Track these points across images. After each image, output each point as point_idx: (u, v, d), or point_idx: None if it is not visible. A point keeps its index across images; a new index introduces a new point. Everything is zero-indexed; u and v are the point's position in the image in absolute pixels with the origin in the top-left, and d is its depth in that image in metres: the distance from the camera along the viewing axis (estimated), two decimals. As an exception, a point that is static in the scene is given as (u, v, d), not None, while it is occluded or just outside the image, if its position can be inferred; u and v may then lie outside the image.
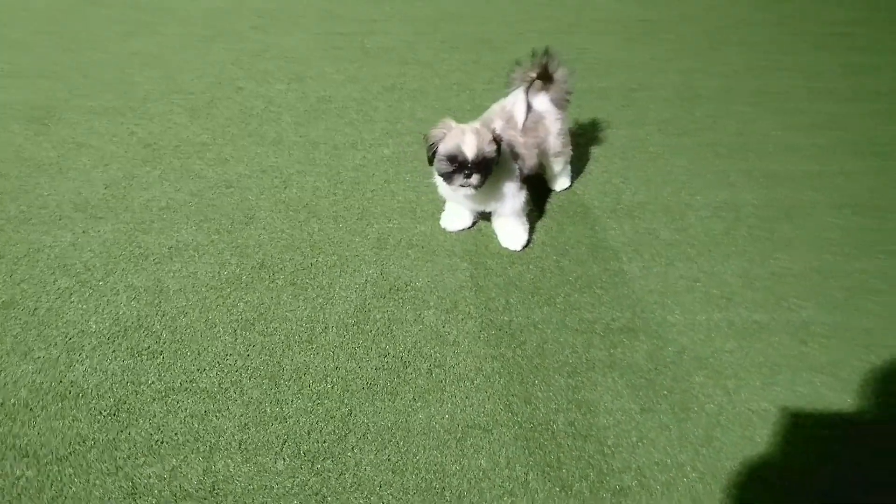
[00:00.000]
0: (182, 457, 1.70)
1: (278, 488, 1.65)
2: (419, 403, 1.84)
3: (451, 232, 2.31)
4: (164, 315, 2.05)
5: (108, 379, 1.88)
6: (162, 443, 1.73)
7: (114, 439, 1.73)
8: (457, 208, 2.30)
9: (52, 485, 1.61)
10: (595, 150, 2.77)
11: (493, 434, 1.76)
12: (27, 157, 2.55)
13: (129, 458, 1.70)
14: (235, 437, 1.75)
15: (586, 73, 3.21)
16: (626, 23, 3.83)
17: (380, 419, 1.80)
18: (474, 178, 1.96)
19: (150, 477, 1.66)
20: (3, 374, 1.87)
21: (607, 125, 2.88)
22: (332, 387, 1.88)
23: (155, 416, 1.79)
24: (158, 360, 1.93)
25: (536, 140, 2.23)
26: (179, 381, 1.88)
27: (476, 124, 2.01)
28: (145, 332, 2.00)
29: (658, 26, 3.79)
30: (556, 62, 2.28)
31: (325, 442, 1.74)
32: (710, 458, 1.68)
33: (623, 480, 1.65)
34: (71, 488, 1.61)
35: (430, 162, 2.04)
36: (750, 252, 2.32)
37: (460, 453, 1.73)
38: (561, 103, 2.33)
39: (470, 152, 1.90)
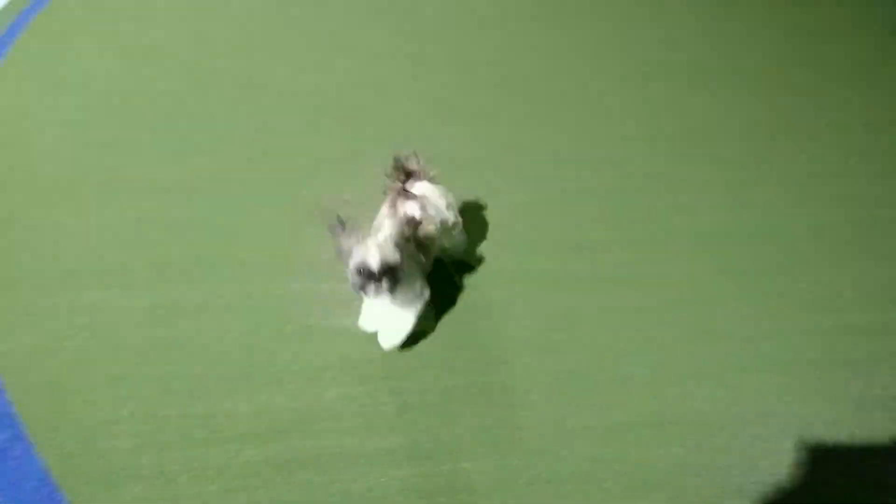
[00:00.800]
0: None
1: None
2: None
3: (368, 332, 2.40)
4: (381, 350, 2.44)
5: (356, 399, 2.29)
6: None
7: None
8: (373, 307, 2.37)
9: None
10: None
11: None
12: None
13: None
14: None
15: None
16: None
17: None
18: (385, 284, 2.08)
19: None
20: (271, 401, 2.27)
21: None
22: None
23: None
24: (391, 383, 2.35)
25: (434, 222, 2.39)
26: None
27: (379, 236, 2.16)
28: (374, 362, 2.41)
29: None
30: (411, 160, 2.45)
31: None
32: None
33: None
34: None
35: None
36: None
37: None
38: (434, 180, 2.50)
39: (374, 264, 2.05)
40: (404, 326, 2.31)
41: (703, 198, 3.19)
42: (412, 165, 2.43)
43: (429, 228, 2.30)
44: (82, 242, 2.81)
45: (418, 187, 2.41)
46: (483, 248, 2.86)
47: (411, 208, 2.31)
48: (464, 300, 2.65)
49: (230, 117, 3.52)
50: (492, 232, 2.93)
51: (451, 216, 2.49)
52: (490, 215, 3.00)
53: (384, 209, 2.38)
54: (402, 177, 2.41)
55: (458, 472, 2.10)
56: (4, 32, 4.08)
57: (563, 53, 4.28)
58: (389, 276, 2.07)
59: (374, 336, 2.36)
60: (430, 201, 2.39)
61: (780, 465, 2.13)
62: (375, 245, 2.06)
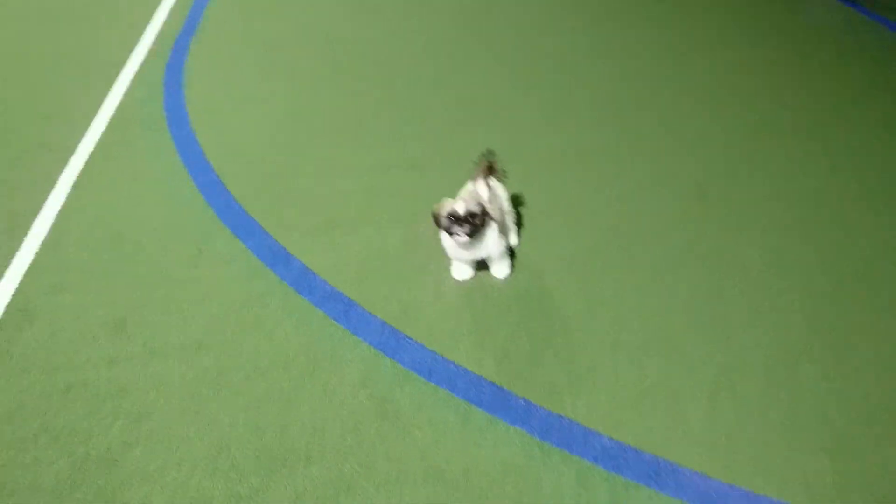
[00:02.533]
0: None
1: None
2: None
3: (459, 281, 3.22)
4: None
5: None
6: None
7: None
8: (460, 264, 3.17)
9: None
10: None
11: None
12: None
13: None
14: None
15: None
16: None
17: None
18: (466, 227, 2.76)
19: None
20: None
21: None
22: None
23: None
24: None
25: (497, 205, 3.10)
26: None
27: (464, 196, 2.85)
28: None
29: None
30: (493, 157, 3.17)
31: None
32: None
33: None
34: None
35: (437, 224, 2.85)
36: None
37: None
38: (501, 179, 3.26)
39: (462, 210, 2.74)
40: (508, 264, 3.22)
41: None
42: (492, 160, 3.17)
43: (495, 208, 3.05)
44: (330, 201, 3.85)
45: (492, 181, 3.17)
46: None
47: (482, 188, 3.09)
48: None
49: (384, 122, 4.66)
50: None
51: (508, 206, 3.27)
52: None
53: (469, 185, 3.15)
54: (485, 167, 3.15)
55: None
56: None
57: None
58: (470, 221, 2.77)
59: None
60: (498, 191, 3.19)
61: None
62: (462, 199, 2.78)
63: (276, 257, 3.41)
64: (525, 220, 3.70)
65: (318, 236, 3.59)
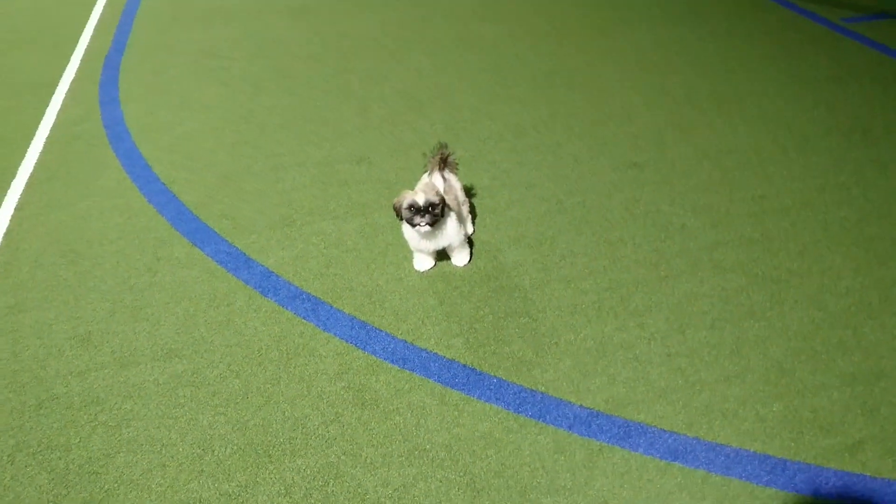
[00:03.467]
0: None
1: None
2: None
3: (421, 272, 3.31)
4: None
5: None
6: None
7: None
8: (421, 255, 3.27)
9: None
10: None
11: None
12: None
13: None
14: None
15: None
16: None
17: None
18: (427, 217, 2.85)
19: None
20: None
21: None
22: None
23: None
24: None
25: (453, 196, 3.19)
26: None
27: (421, 186, 2.93)
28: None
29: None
30: (447, 150, 3.23)
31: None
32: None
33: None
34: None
35: (399, 216, 2.93)
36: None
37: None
38: (454, 171, 3.32)
39: (421, 201, 2.82)
40: (467, 252, 3.34)
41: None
42: (446, 153, 3.24)
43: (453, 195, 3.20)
44: (283, 199, 3.90)
45: (447, 173, 3.26)
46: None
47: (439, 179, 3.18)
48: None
49: (329, 119, 4.76)
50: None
51: (463, 196, 3.36)
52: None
53: (425, 178, 3.24)
54: (439, 157, 3.21)
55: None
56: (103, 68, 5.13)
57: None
58: (430, 211, 2.87)
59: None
60: (452, 182, 3.28)
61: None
62: (421, 190, 2.88)
63: (237, 262, 3.44)
64: (475, 201, 3.85)
65: (275, 234, 3.65)
